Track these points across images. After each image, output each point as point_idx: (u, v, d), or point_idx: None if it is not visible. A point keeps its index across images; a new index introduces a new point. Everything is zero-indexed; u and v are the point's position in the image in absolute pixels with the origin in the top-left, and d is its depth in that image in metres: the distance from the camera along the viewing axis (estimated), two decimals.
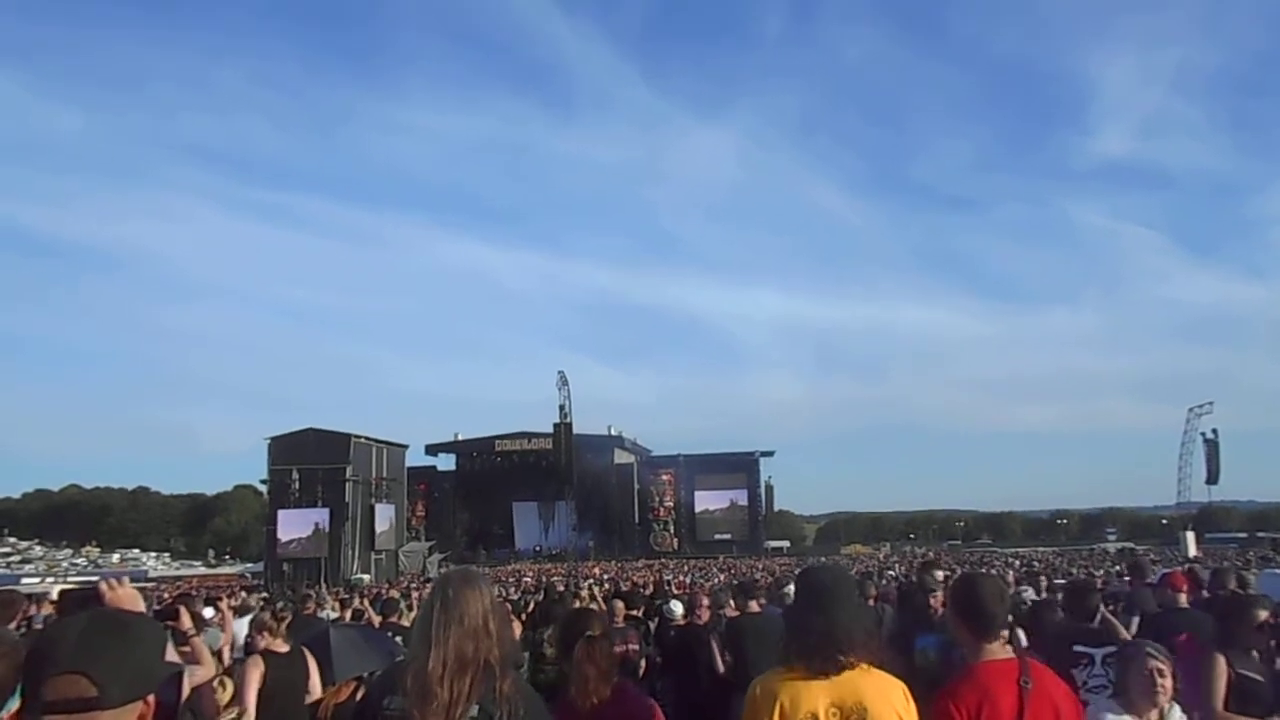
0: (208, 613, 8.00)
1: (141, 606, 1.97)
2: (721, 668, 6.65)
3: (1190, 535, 49.37)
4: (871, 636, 2.55)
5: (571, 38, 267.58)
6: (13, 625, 5.29)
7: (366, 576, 51.92)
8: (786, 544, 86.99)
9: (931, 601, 5.13)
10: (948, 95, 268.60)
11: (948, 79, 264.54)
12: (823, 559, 58.03)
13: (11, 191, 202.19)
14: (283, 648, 5.48)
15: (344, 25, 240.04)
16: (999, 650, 2.73)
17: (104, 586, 1.83)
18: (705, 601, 7.70)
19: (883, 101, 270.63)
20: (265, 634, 5.56)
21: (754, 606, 7.02)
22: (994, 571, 25.69)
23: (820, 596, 2.59)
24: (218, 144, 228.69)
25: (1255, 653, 4.16)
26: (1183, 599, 6.06)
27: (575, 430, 72.01)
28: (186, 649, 4.35)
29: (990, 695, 2.56)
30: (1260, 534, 79.09)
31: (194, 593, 15.03)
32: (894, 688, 2.45)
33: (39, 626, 6.83)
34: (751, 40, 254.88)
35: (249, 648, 5.96)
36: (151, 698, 1.39)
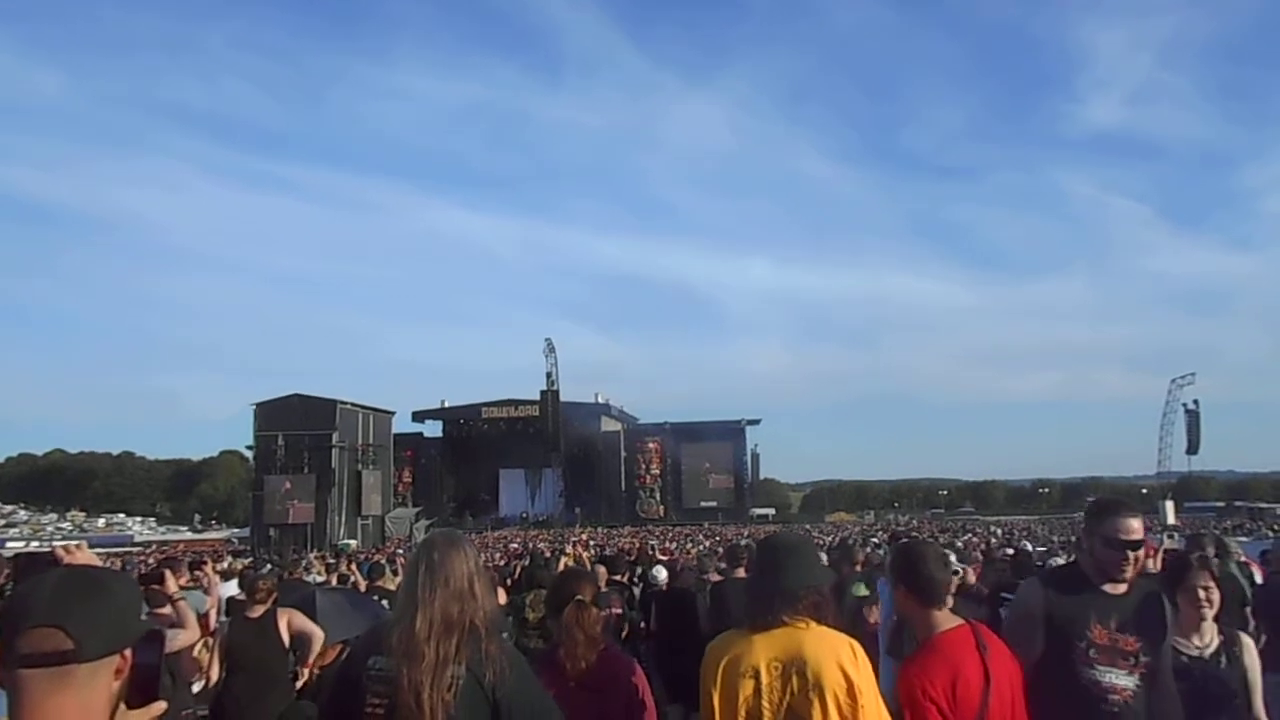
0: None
1: None
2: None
3: (1169, 504, 50.02)
4: (821, 596, 2.56)
5: (561, 3, 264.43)
6: None
7: (353, 542, 52.09)
8: (772, 512, 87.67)
9: None
10: (938, 63, 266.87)
11: (938, 47, 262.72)
12: (807, 527, 58.60)
13: None
14: (255, 612, 5.51)
15: None
16: (948, 618, 2.72)
17: (61, 551, 1.81)
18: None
19: (874, 69, 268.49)
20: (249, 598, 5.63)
21: (739, 572, 7.05)
22: (973, 538, 26.03)
23: (768, 559, 2.66)
24: (204, 109, 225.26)
25: None
26: (1150, 565, 6.14)
27: (562, 398, 72.24)
28: (171, 612, 4.37)
29: (959, 668, 2.55)
30: (1238, 503, 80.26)
31: (179, 557, 15.03)
32: (841, 644, 2.47)
33: None
34: (742, 7, 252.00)
35: (230, 611, 6.01)
36: (128, 652, 1.39)
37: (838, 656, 2.42)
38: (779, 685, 2.40)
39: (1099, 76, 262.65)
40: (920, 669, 2.58)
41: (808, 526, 59.05)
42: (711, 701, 2.47)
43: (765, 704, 2.40)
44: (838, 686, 2.37)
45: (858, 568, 7.31)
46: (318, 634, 5.41)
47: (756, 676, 2.42)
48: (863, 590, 5.48)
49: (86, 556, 1.83)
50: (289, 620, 5.40)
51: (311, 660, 5.34)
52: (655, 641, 7.26)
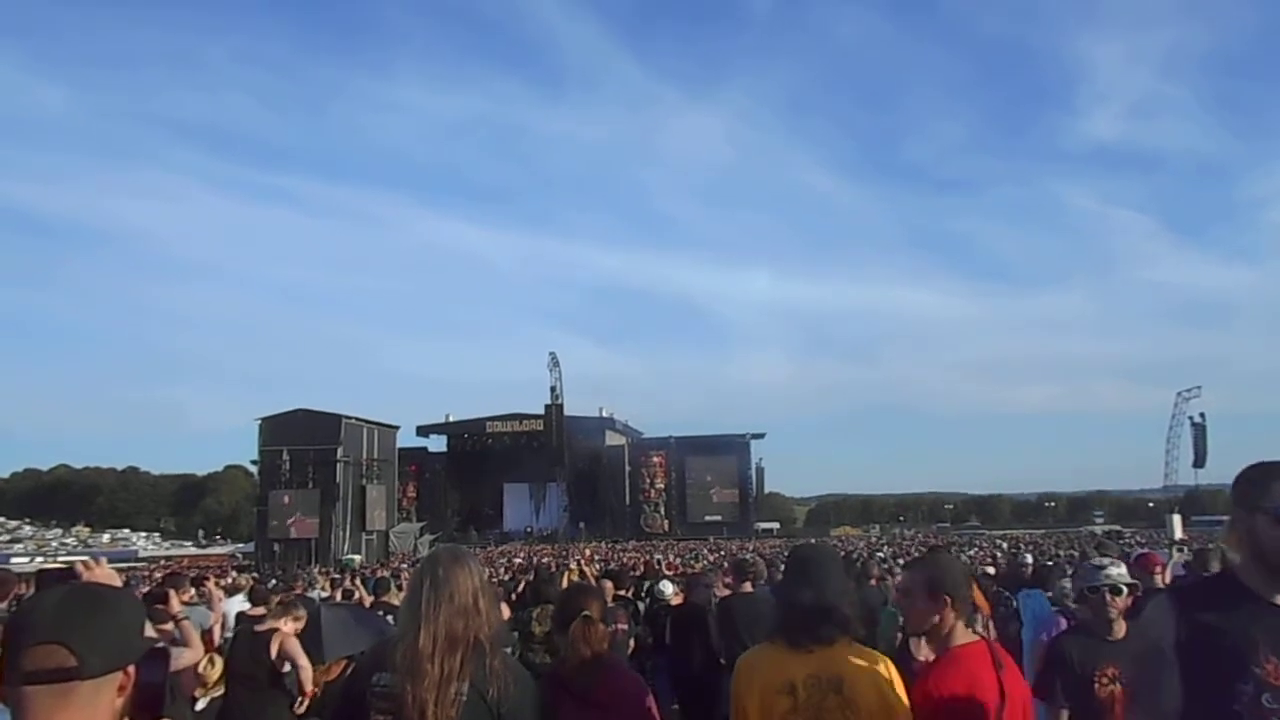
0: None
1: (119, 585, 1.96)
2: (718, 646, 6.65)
3: (1177, 518, 49.22)
4: (854, 611, 2.56)
5: (561, 17, 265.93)
6: (4, 604, 5.31)
7: (357, 557, 51.93)
8: (776, 526, 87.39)
9: None
10: (938, 76, 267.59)
11: (938, 60, 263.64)
12: (812, 540, 58.34)
13: None
14: (256, 627, 5.51)
15: (331, 2, 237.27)
16: (964, 633, 2.69)
17: (80, 566, 1.81)
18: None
19: (873, 82, 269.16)
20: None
21: (746, 587, 6.99)
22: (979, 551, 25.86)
23: (805, 572, 2.62)
24: (205, 122, 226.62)
25: None
26: (1158, 579, 6.05)
27: (566, 412, 72.25)
28: (174, 630, 4.36)
29: (975, 683, 2.52)
30: None
31: (184, 573, 15.01)
32: (877, 662, 2.46)
33: None
34: (742, 20, 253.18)
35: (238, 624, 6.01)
36: (131, 669, 1.38)
37: (874, 676, 2.42)
38: (815, 702, 2.39)
39: (1098, 89, 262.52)
40: (937, 681, 2.55)
41: (813, 540, 58.79)
42: (747, 717, 2.46)
43: None
44: (873, 706, 2.37)
45: (872, 583, 7.20)
46: (305, 667, 5.39)
47: (793, 693, 2.41)
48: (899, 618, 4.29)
49: (106, 572, 1.83)
50: (280, 644, 5.39)
51: (309, 688, 5.32)
52: (668, 657, 7.20)
